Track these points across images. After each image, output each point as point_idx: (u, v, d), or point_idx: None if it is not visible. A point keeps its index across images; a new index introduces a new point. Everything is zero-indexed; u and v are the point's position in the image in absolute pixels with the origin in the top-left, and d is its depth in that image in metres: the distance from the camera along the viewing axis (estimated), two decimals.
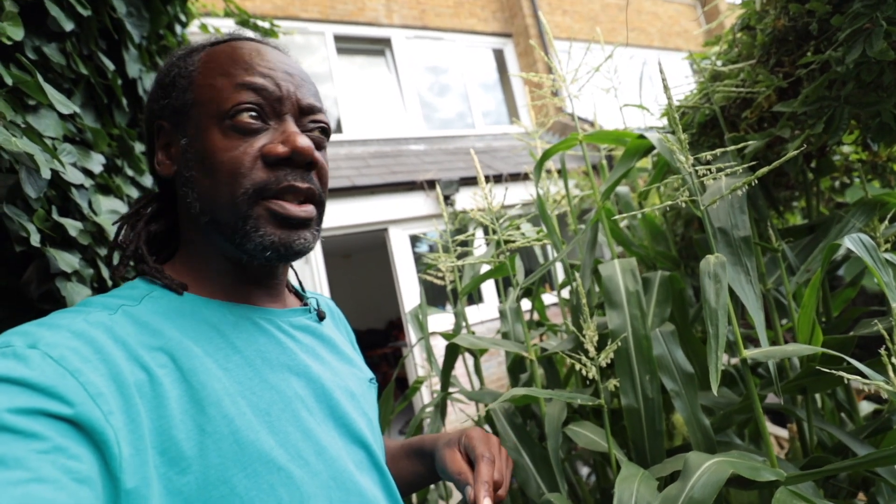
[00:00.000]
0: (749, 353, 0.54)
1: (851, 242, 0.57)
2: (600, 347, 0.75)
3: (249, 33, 0.49)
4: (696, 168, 0.56)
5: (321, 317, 0.53)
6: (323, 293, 3.64)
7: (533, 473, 0.86)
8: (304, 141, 0.43)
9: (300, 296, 0.57)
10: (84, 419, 0.30)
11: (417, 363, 3.60)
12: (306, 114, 0.46)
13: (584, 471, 1.59)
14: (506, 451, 0.53)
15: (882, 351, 0.43)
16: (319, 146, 0.47)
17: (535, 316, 2.17)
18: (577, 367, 0.68)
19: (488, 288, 4.16)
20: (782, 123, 0.77)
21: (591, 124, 4.56)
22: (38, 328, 0.34)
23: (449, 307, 3.74)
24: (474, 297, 4.04)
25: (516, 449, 0.91)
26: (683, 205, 0.57)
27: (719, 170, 0.55)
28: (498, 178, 4.07)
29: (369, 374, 0.57)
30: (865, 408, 1.03)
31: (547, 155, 0.95)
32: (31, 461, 0.27)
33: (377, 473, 0.46)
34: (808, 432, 0.76)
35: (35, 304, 0.71)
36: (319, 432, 0.41)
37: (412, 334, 1.25)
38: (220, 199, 0.42)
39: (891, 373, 0.42)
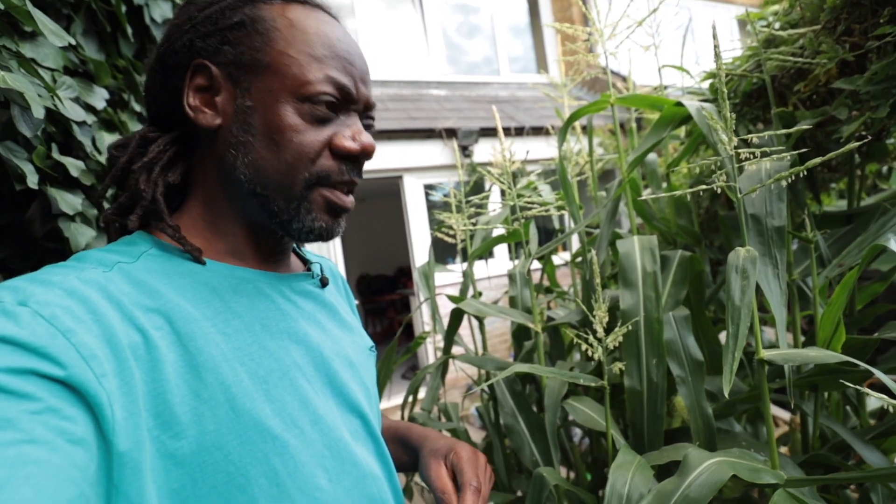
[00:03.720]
0: (767, 354, 0.52)
1: None
2: (609, 326, 0.73)
3: None
4: (738, 150, 0.51)
5: (324, 283, 0.52)
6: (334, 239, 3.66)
7: (528, 440, 0.88)
8: (370, 140, 0.45)
9: (304, 259, 0.56)
10: (76, 381, 0.30)
11: (424, 317, 3.66)
12: (368, 110, 0.47)
13: (578, 433, 1.63)
14: (490, 470, 0.52)
15: None
16: None
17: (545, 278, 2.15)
18: (584, 346, 0.67)
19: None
20: (839, 102, 0.69)
21: (624, 79, 4.30)
22: (29, 283, 0.33)
23: (458, 261, 3.73)
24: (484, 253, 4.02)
25: (514, 415, 0.92)
26: (719, 190, 0.53)
27: (764, 154, 0.50)
28: (520, 131, 3.92)
29: (369, 341, 0.56)
30: (873, 402, 1.01)
31: (574, 117, 0.89)
32: (24, 422, 0.27)
33: (372, 443, 0.46)
34: (811, 427, 0.75)
35: (40, 241, 0.70)
36: (316, 401, 0.41)
37: (420, 286, 1.25)
38: (277, 177, 0.42)
39: None
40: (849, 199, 0.88)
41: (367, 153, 0.44)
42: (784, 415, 1.34)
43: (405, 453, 0.59)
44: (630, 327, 0.68)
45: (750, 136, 0.52)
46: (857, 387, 0.46)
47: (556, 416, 0.75)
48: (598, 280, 0.67)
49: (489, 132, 3.79)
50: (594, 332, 0.67)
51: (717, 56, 0.51)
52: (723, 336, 1.00)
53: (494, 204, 1.23)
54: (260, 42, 0.41)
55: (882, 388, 1.20)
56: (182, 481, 0.33)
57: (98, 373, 0.30)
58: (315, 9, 0.44)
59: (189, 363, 0.35)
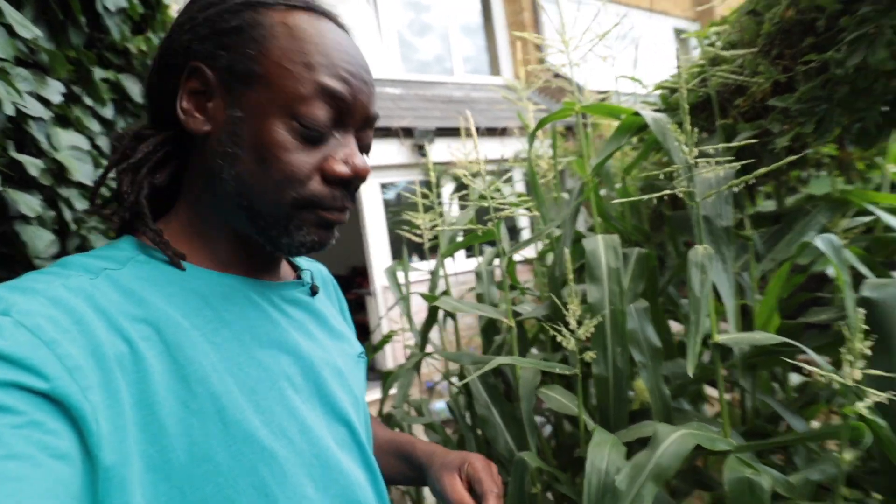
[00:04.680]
0: (721, 338, 0.59)
1: (822, 242, 0.61)
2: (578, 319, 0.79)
3: None
4: (697, 160, 0.58)
5: (314, 291, 0.52)
6: None
7: (502, 430, 0.92)
8: (364, 164, 0.43)
9: (294, 266, 0.55)
10: (60, 394, 0.29)
11: (380, 310, 3.64)
12: (367, 127, 0.45)
13: (539, 420, 1.71)
14: (500, 478, 0.55)
15: (842, 350, 0.48)
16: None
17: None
18: (553, 334, 0.72)
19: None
20: (773, 117, 0.79)
21: (572, 83, 4.48)
22: (11, 293, 0.32)
23: (415, 260, 3.75)
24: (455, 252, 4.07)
25: (488, 407, 0.96)
26: (681, 195, 0.59)
27: (718, 163, 0.57)
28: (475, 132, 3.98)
29: (359, 348, 0.56)
30: (794, 379, 1.16)
31: (542, 123, 0.94)
32: (5, 437, 0.26)
33: (358, 451, 0.47)
34: (749, 402, 0.85)
35: None
36: (304, 411, 0.41)
37: (377, 282, 1.27)
38: (266, 194, 0.40)
39: (847, 368, 0.47)
40: (777, 201, 1.00)
41: (360, 178, 0.42)
42: (715, 393, 1.47)
43: (409, 469, 0.60)
44: (601, 319, 0.74)
45: (708, 147, 0.59)
46: (802, 364, 0.53)
47: (532, 404, 0.80)
48: (570, 276, 0.72)
49: (445, 132, 3.83)
50: (566, 325, 0.73)
51: (679, 76, 0.57)
52: (673, 325, 1.10)
53: (465, 203, 1.27)
54: (255, 50, 0.40)
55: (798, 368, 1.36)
56: (170, 494, 0.32)
57: (83, 385, 0.30)
58: (320, 17, 0.42)
59: (178, 374, 0.35)
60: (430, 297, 1.03)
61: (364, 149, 0.46)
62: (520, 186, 3.54)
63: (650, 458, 0.53)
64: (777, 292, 0.71)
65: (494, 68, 5.50)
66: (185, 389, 0.35)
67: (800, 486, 0.57)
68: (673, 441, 0.54)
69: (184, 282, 0.39)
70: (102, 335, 0.32)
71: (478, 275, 1.30)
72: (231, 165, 0.40)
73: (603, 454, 0.58)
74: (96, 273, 0.36)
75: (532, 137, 0.96)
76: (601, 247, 0.86)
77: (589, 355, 0.72)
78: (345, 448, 0.45)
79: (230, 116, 0.40)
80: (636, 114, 0.90)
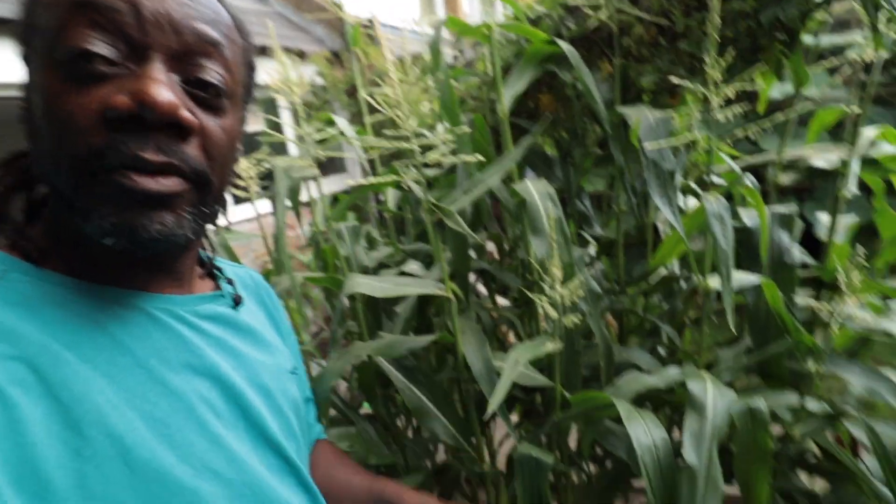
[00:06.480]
0: (713, 283, 0.60)
1: (748, 180, 0.69)
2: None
3: None
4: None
5: (237, 302, 0.46)
6: None
7: (438, 416, 0.79)
8: (160, 93, 0.32)
9: (214, 275, 0.48)
10: None
11: None
12: (191, 54, 0.34)
13: None
14: None
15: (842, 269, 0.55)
16: (211, 106, 0.36)
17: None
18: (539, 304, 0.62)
19: None
20: (668, 59, 0.83)
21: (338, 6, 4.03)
22: None
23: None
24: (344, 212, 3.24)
25: (410, 391, 0.80)
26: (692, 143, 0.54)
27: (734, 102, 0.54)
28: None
29: (292, 361, 0.51)
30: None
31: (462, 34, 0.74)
32: None
33: (293, 477, 0.43)
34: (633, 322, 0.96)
35: None
36: (230, 438, 0.37)
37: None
38: (51, 164, 0.33)
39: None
40: None
41: (150, 109, 0.31)
42: None
43: None
44: (583, 278, 0.66)
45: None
46: None
47: (494, 385, 0.69)
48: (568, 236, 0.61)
49: None
50: (531, 289, 0.63)
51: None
52: None
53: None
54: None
55: None
56: None
57: None
58: None
59: (63, 417, 0.30)
60: (319, 280, 0.74)
61: (196, 84, 0.34)
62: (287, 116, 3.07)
63: (703, 422, 0.51)
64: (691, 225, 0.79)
65: None
66: (75, 434, 0.30)
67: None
68: (712, 397, 0.53)
69: (67, 304, 0.34)
70: None
71: (338, 234, 1.03)
72: (32, 142, 0.35)
73: (642, 427, 0.53)
74: None
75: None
76: (535, 193, 0.77)
77: (570, 319, 0.64)
78: (276, 473, 0.41)
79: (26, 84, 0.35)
80: (551, 42, 0.81)
